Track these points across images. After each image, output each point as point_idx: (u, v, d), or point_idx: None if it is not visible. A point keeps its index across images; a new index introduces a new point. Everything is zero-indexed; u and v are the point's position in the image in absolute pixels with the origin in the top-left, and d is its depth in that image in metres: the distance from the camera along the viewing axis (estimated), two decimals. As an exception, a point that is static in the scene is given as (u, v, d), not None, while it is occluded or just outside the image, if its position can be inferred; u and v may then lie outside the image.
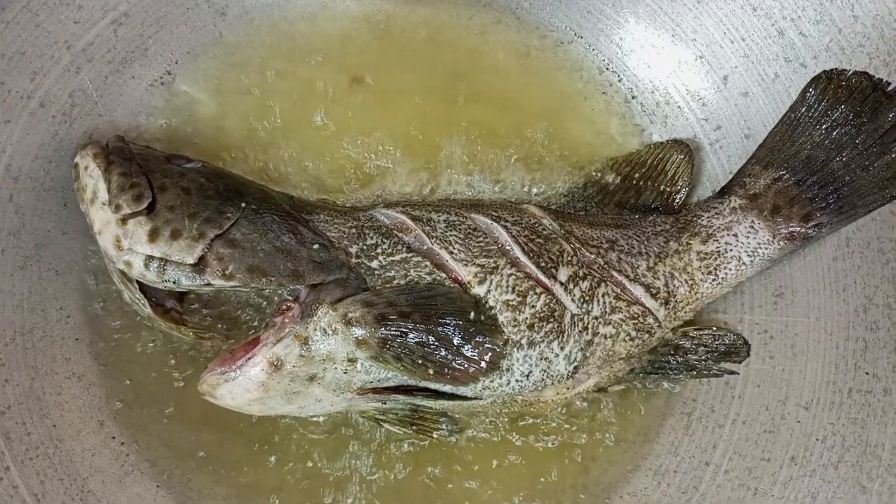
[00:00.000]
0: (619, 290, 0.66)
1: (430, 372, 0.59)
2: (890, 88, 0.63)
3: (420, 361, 0.58)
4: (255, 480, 0.67)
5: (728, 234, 0.68)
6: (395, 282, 0.61)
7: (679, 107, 0.74)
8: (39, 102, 0.64)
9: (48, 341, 0.65)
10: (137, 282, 0.59)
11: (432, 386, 0.61)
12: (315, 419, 0.68)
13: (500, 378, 0.62)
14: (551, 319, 0.62)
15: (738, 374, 0.70)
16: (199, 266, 0.57)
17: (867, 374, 0.65)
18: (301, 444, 0.68)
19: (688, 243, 0.68)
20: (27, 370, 0.63)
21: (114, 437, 0.66)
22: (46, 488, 0.61)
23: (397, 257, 0.62)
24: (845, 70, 0.64)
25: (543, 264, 0.63)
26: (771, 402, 0.68)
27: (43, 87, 0.64)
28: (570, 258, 0.65)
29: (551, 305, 0.63)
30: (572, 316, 0.63)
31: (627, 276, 0.66)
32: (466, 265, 0.62)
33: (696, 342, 0.69)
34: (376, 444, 0.68)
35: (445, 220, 0.65)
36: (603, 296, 0.65)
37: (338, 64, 0.73)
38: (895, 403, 0.63)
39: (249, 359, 0.58)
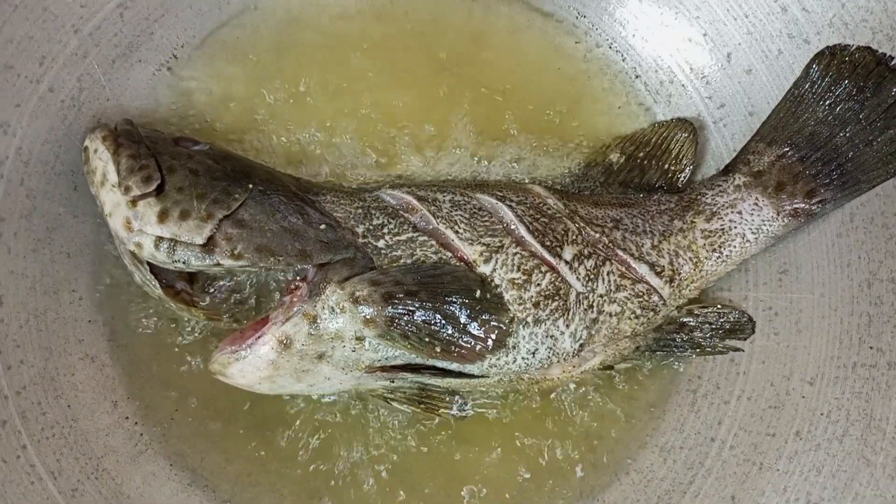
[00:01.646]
0: (623, 269, 0.66)
1: (437, 350, 0.59)
2: (893, 63, 0.63)
3: (427, 339, 0.59)
4: (267, 459, 0.68)
5: (732, 212, 0.68)
6: (402, 261, 0.61)
7: (683, 85, 0.75)
8: (48, 87, 0.64)
9: (61, 323, 0.66)
10: (148, 263, 0.60)
11: (440, 364, 0.62)
12: (326, 398, 0.69)
13: (507, 356, 0.62)
14: (556, 297, 0.63)
15: (744, 350, 0.70)
16: (209, 246, 0.58)
17: (871, 348, 0.65)
18: (312, 422, 0.68)
19: (692, 221, 0.69)
20: (41, 351, 0.64)
21: (127, 417, 0.67)
22: (62, 466, 0.62)
23: (403, 237, 0.62)
24: (848, 45, 0.64)
25: (548, 243, 0.64)
26: (776, 377, 0.69)
27: (51, 71, 0.64)
28: (574, 237, 0.65)
29: (556, 284, 0.63)
30: (577, 294, 0.64)
31: (632, 255, 0.66)
32: (472, 244, 0.63)
33: (701, 320, 0.70)
34: (385, 420, 0.69)
35: (451, 200, 0.65)
36: (608, 274, 0.65)
37: (341, 46, 0.74)
38: (899, 377, 0.63)
39: (259, 337, 0.59)
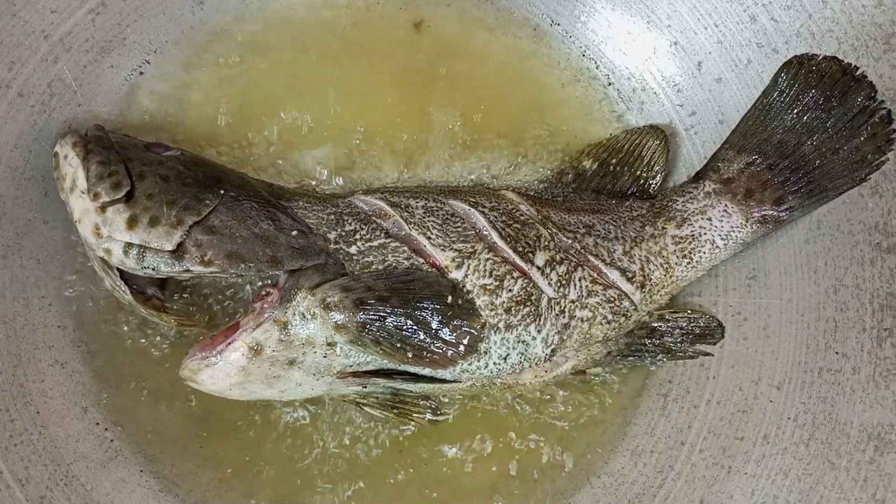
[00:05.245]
0: (595, 275, 0.66)
1: (409, 355, 0.60)
2: (858, 73, 0.64)
3: (399, 345, 0.59)
4: (239, 465, 0.68)
5: (702, 218, 0.69)
6: (374, 267, 0.62)
7: (655, 93, 0.75)
8: (18, 92, 0.64)
9: (30, 329, 0.65)
10: (118, 269, 0.60)
11: (412, 369, 0.62)
12: (297, 403, 0.69)
13: (478, 361, 0.63)
14: (528, 303, 0.63)
15: (713, 355, 0.71)
16: (178, 253, 0.58)
17: (837, 353, 0.66)
18: (286, 428, 0.68)
19: (663, 227, 0.69)
20: (10, 358, 0.64)
21: (97, 423, 0.67)
22: (31, 473, 0.62)
23: (375, 243, 0.63)
24: (816, 55, 0.65)
25: (520, 249, 0.64)
26: (744, 382, 0.70)
27: (21, 76, 0.64)
28: (547, 243, 0.66)
29: (528, 289, 0.64)
30: (549, 300, 0.64)
31: (604, 261, 0.67)
32: (444, 250, 0.63)
33: (671, 325, 0.70)
34: (357, 426, 0.69)
35: (423, 206, 0.65)
36: (579, 280, 0.66)
37: (316, 52, 0.74)
38: (863, 382, 0.64)
39: (229, 344, 0.59)
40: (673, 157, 0.74)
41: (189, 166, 0.62)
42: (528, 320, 0.63)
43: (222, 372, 0.59)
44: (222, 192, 0.60)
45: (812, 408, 0.66)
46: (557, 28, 0.76)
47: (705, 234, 0.69)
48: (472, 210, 0.66)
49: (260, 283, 0.67)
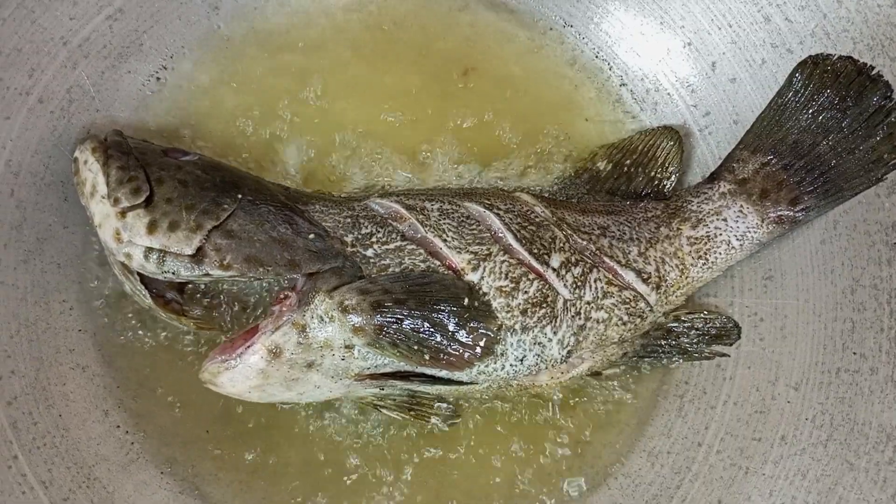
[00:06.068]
0: (610, 276, 0.67)
1: (426, 357, 0.60)
2: (874, 72, 0.64)
3: (416, 347, 0.59)
4: (259, 467, 0.68)
5: (717, 219, 0.69)
6: (390, 270, 0.62)
7: (668, 93, 0.75)
8: (38, 98, 0.65)
9: (52, 333, 0.66)
10: (138, 273, 0.60)
11: (429, 371, 0.63)
12: (317, 407, 0.69)
13: (495, 363, 0.63)
14: (544, 305, 0.64)
15: (730, 356, 0.71)
16: (198, 257, 0.58)
17: (854, 353, 0.66)
18: (306, 429, 0.69)
19: (678, 228, 0.69)
20: (32, 361, 0.64)
21: (118, 426, 0.67)
22: (54, 476, 0.63)
23: (392, 246, 0.63)
24: (830, 55, 0.65)
25: (536, 251, 0.65)
26: (761, 383, 0.70)
27: (41, 83, 0.65)
28: (562, 245, 0.66)
29: (544, 291, 0.64)
30: (565, 301, 0.64)
31: (619, 262, 0.67)
32: (460, 252, 0.63)
33: (687, 326, 0.70)
34: (376, 427, 0.69)
35: (439, 209, 0.66)
36: (595, 281, 0.66)
37: (330, 58, 0.74)
38: (881, 382, 0.64)
39: (249, 347, 0.59)
40: (687, 157, 0.74)
41: (207, 171, 0.62)
42: (544, 322, 0.64)
43: (241, 375, 0.60)
44: (240, 196, 0.61)
45: (830, 408, 0.66)
46: (570, 29, 0.76)
47: (721, 234, 0.69)
48: (488, 212, 0.66)
49: (278, 287, 0.67)
